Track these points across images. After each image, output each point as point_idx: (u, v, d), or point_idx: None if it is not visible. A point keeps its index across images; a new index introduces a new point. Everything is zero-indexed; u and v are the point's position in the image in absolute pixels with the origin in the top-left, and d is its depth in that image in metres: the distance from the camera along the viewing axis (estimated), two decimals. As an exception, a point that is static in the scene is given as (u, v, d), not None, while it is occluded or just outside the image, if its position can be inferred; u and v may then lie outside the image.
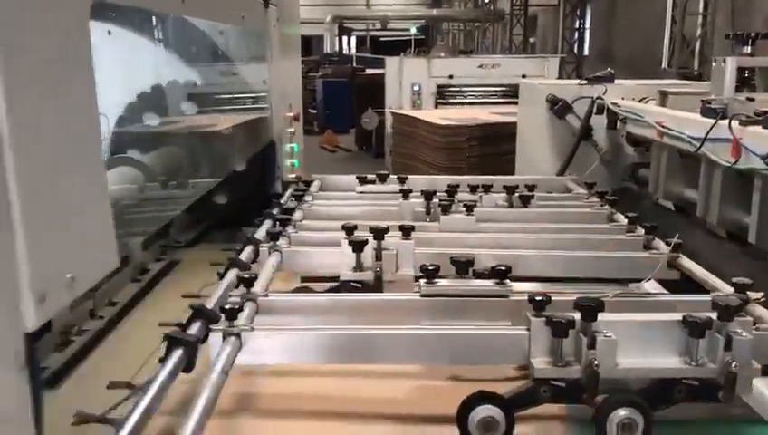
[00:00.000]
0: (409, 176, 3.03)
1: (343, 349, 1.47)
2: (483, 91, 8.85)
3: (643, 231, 2.29)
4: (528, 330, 1.45)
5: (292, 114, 3.61)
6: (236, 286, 1.74)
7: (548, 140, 3.65)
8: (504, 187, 2.76)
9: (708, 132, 2.27)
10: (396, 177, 2.99)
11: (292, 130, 3.60)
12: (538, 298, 1.46)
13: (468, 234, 2.26)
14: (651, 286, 1.98)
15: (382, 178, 3.01)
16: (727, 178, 2.39)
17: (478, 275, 1.76)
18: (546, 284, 2.09)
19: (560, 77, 8.89)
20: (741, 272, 2.03)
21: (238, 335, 1.44)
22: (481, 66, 8.86)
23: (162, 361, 1.39)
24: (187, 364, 1.41)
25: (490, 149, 6.13)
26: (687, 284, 2.00)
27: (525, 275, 2.07)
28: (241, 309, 1.49)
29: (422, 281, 1.68)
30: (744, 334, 1.39)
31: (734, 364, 1.36)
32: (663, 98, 2.97)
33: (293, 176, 3.51)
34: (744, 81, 2.81)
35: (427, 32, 30.54)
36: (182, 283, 2.57)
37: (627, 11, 14.91)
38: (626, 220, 2.45)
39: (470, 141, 6.24)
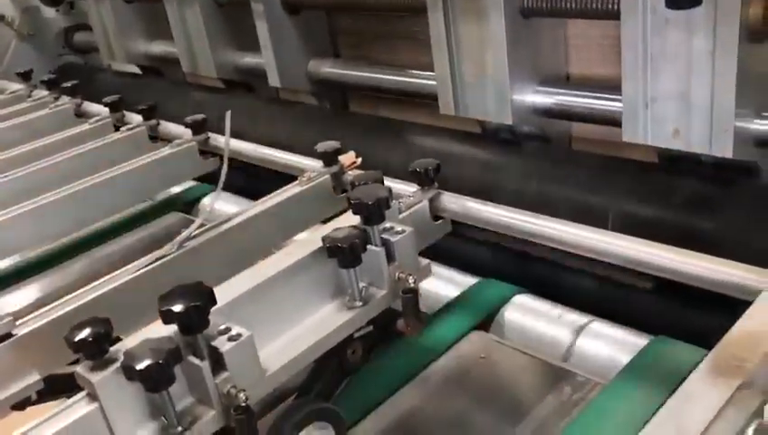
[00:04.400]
0: None
1: None
2: None
3: (141, 117, 1.63)
4: (94, 399, 0.72)
5: None
6: None
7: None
8: None
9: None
10: None
11: None
12: (84, 335, 0.72)
13: None
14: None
15: None
16: (208, 13, 1.83)
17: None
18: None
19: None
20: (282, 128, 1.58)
21: None
22: None
23: None
24: None
25: None
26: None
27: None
28: None
29: None
30: (401, 228, 0.93)
31: (410, 279, 0.90)
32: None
33: None
34: None
35: None
36: None
37: None
38: (106, 108, 1.73)
39: None
